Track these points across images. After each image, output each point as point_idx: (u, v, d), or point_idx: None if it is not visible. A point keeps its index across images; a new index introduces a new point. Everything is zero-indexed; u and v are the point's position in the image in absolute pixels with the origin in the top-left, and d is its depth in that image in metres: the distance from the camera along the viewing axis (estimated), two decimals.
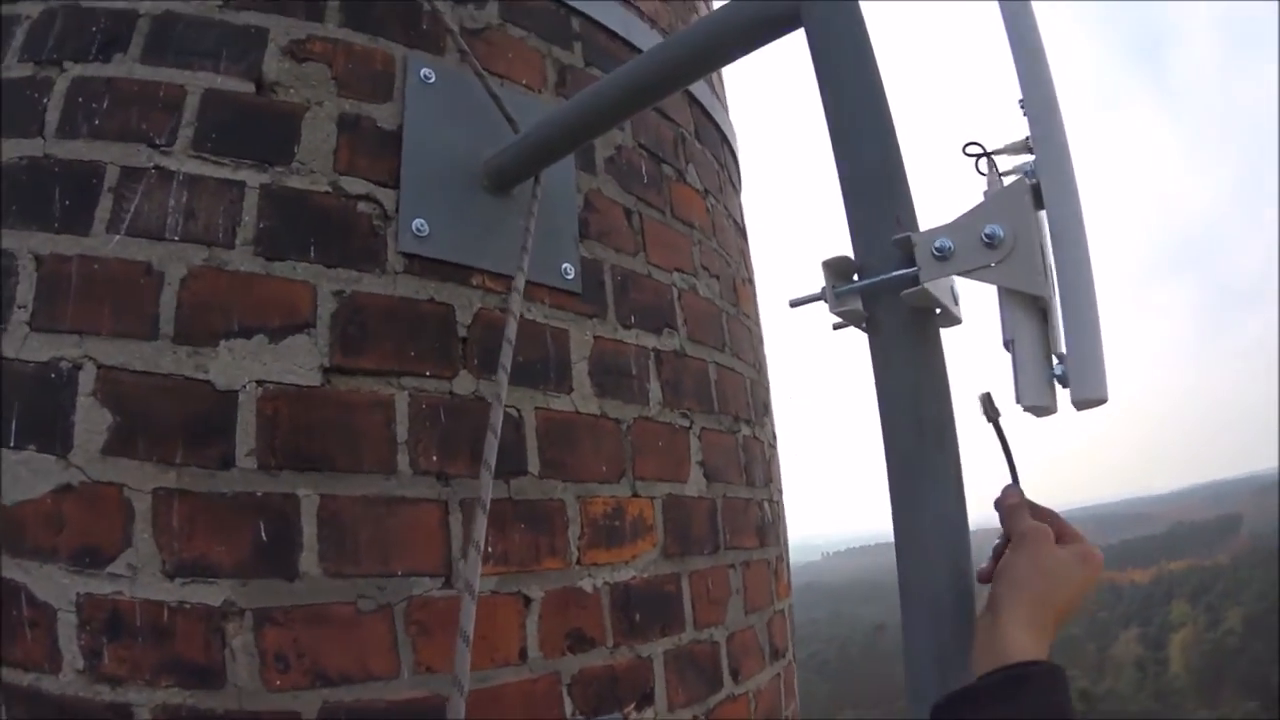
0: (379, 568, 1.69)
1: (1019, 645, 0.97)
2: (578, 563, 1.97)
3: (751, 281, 3.01)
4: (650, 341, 2.29)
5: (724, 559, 2.40)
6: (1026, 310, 1.13)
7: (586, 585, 1.98)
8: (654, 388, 2.26)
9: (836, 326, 1.28)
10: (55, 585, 1.46)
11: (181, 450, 1.56)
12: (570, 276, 2.10)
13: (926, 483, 1.15)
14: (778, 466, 2.92)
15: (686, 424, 2.35)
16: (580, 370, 2.08)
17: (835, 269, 1.24)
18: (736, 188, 3.08)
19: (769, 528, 2.72)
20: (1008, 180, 1.20)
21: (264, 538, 1.59)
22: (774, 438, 2.96)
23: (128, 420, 1.55)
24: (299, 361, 1.69)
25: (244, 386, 1.63)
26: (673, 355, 2.35)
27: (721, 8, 1.56)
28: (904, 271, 1.16)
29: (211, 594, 1.54)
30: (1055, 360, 1.10)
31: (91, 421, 1.52)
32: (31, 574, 1.46)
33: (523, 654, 1.84)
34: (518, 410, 1.94)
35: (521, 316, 1.99)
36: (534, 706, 1.84)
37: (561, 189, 2.13)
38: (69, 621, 1.46)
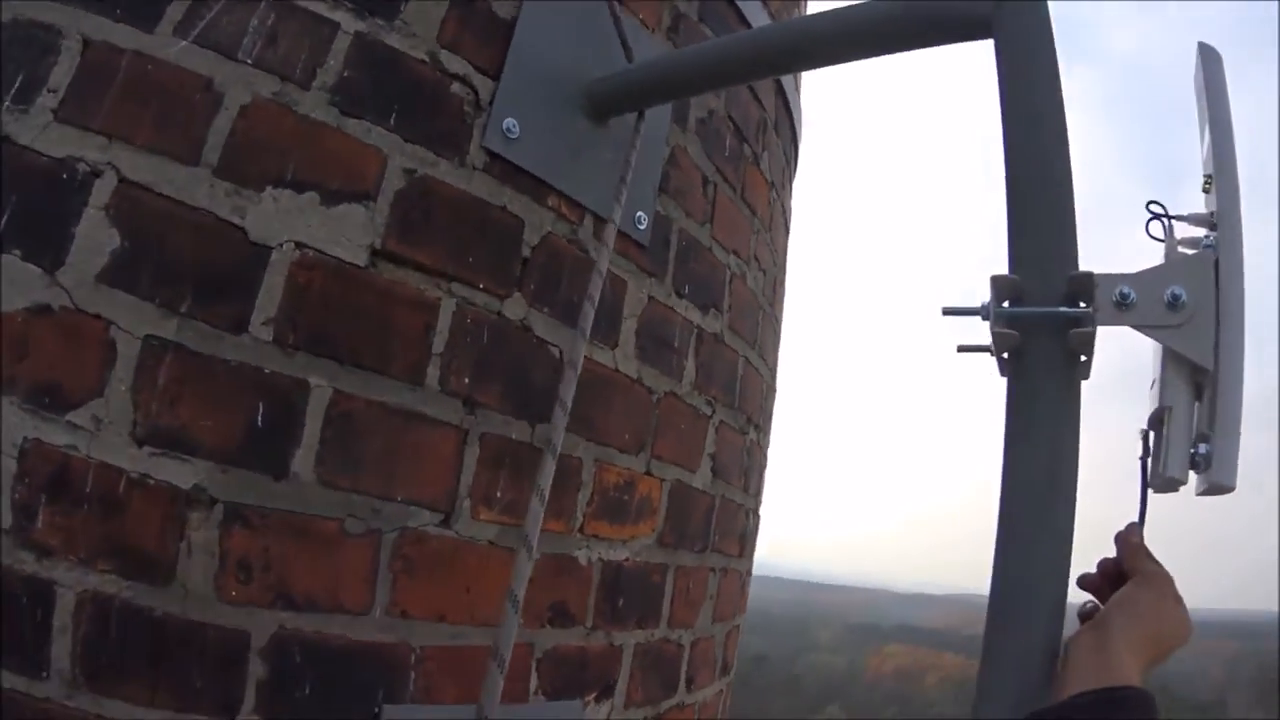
0: (378, 487, 1.37)
1: (1128, 669, 0.92)
2: (579, 530, 1.68)
3: (784, 285, 2.71)
4: (696, 318, 1.98)
5: (708, 561, 2.11)
6: (1187, 382, 1.06)
7: (581, 557, 1.68)
8: (689, 367, 1.96)
9: (963, 349, 1.16)
10: (1, 421, 1.11)
11: (190, 299, 1.23)
12: (642, 227, 1.79)
13: (1043, 532, 1.03)
14: (764, 479, 2.62)
15: (709, 413, 2.06)
16: (629, 328, 1.77)
17: (1001, 288, 1.09)
18: (792, 187, 2.78)
19: (748, 538, 2.44)
20: (1184, 249, 1.15)
21: (259, 423, 1.27)
22: (768, 449, 2.66)
23: (136, 248, 1.20)
24: (349, 234, 1.36)
25: (280, 245, 1.30)
26: (712, 338, 2.05)
27: None
28: (1078, 310, 1.04)
29: (182, 474, 1.21)
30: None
31: (94, 239, 1.17)
32: None
33: None
34: (559, 350, 1.62)
35: (587, 254, 1.67)
36: None
37: (653, 134, 1.82)
38: (7, 468, 1.11)
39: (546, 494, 1.28)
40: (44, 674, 1.12)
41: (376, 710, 1.36)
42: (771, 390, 2.53)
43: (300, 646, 1.29)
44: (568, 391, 1.35)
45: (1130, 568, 1.06)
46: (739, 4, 2.16)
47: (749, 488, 2.36)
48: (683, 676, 2.04)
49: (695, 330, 1.98)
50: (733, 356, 2.16)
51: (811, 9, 2.82)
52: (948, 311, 1.15)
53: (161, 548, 1.19)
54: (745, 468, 2.32)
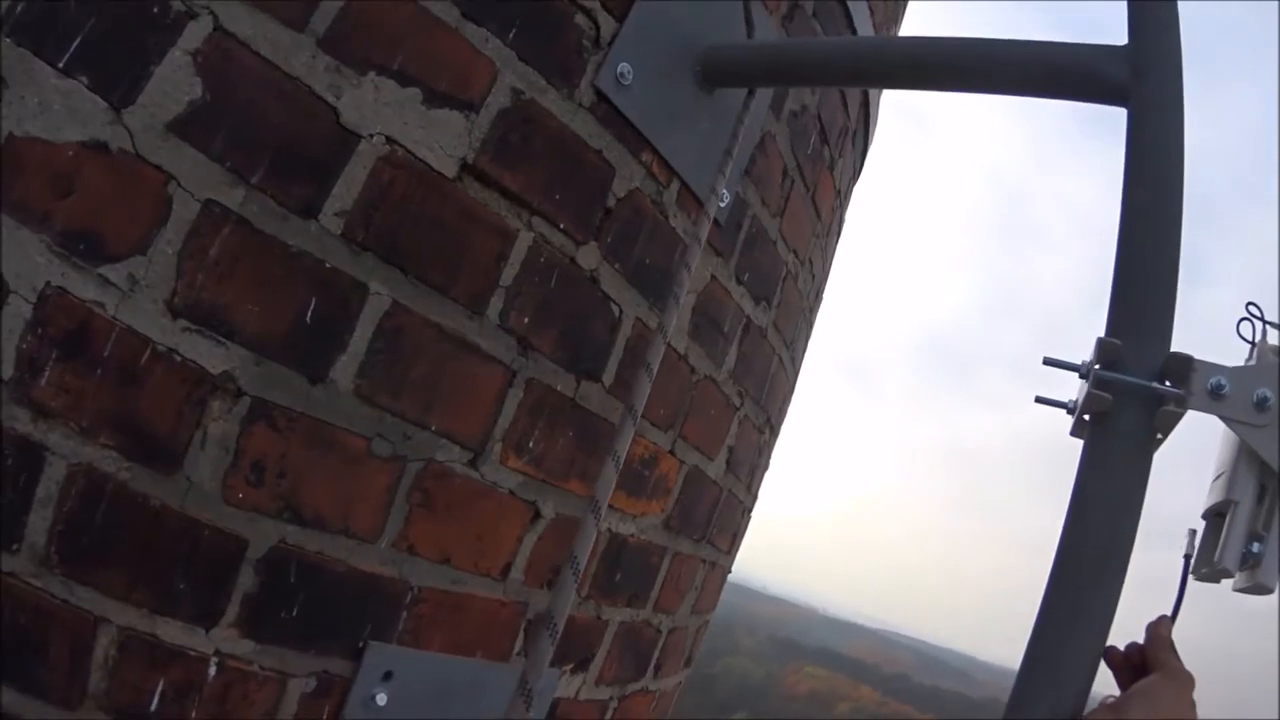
0: (415, 412, 1.21)
1: None
2: None
3: (823, 294, 2.55)
4: (749, 308, 1.83)
5: (702, 552, 1.96)
6: (1255, 482, 1.03)
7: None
8: (732, 354, 1.80)
9: (1040, 401, 1.18)
10: (25, 259, 0.93)
11: (264, 171, 1.06)
12: (723, 204, 1.63)
13: (1091, 604, 0.98)
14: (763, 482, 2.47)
15: (738, 404, 1.90)
16: (687, 302, 1.61)
17: (1104, 351, 1.03)
18: (850, 200, 2.62)
19: (738, 537, 2.28)
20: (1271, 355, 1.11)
21: (309, 319, 1.10)
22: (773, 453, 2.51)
23: (217, 104, 1.03)
24: (443, 141, 1.19)
25: (371, 136, 1.13)
26: (757, 331, 1.89)
27: (1052, 42, 1.27)
28: (1174, 390, 0.99)
29: (214, 357, 1.04)
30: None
31: (173, 84, 1.00)
32: (2, 232, 0.93)
33: (506, 571, 1.38)
34: (620, 310, 1.46)
35: (667, 218, 1.51)
36: (489, 632, 1.38)
37: (754, 115, 1.65)
38: (20, 312, 0.93)
39: (622, 460, 1.12)
40: (14, 546, 0.96)
41: (361, 645, 1.20)
42: (789, 396, 2.38)
43: (298, 564, 1.13)
44: (655, 357, 1.19)
45: (1155, 660, 0.99)
46: (849, 4, 1.99)
47: (751, 487, 2.22)
48: (653, 662, 1.89)
49: (745, 320, 1.82)
50: (770, 354, 2.01)
51: (905, 26, 2.66)
52: (1049, 361, 1.12)
53: (173, 433, 1.03)
54: (753, 466, 2.17)
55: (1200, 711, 0.98)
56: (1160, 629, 1.03)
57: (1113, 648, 1.02)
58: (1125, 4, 1.23)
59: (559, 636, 1.05)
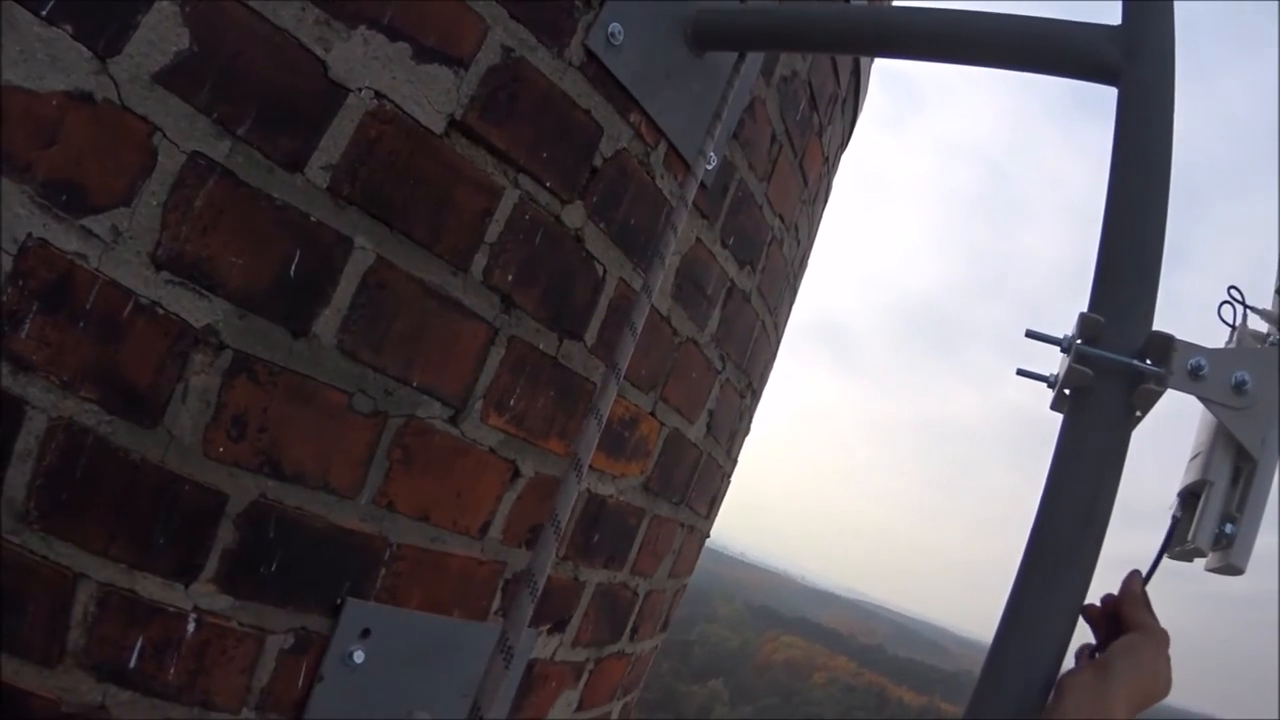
0: (398, 368, 1.21)
1: (1120, 714, 0.92)
2: None
3: (808, 261, 2.55)
4: (733, 271, 1.83)
5: (680, 515, 1.98)
6: (1230, 464, 1.04)
7: None
8: (714, 318, 1.81)
9: (1021, 373, 1.18)
10: (5, 211, 0.92)
11: (250, 124, 1.05)
12: (709, 167, 1.62)
13: (1067, 573, 1.00)
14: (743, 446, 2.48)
15: (720, 368, 1.91)
16: (671, 264, 1.61)
17: (1085, 326, 1.05)
18: (838, 168, 2.62)
19: (717, 501, 2.30)
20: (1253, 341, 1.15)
21: (292, 273, 1.10)
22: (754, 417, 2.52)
23: (204, 55, 1.01)
24: (431, 97, 1.18)
25: (359, 90, 1.12)
26: (741, 295, 1.90)
27: (1045, 18, 1.29)
28: (1155, 368, 1.01)
29: (197, 310, 1.04)
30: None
31: (159, 34, 0.99)
32: None
33: (484, 529, 1.38)
34: (604, 270, 1.46)
35: (653, 180, 1.51)
36: (466, 589, 1.39)
37: (744, 79, 1.65)
38: (0, 264, 0.92)
39: (604, 419, 1.13)
40: None
41: (339, 602, 1.21)
42: (770, 361, 2.39)
43: (277, 519, 1.14)
44: (639, 317, 1.20)
45: (1130, 616, 1.02)
46: None
47: (731, 451, 2.23)
48: (630, 625, 1.90)
49: (729, 284, 1.82)
50: (753, 318, 2.01)
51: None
52: (1031, 334, 1.14)
53: (155, 386, 1.03)
54: (734, 430, 2.18)
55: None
56: (1133, 584, 1.05)
57: (1089, 605, 1.04)
58: None
59: (539, 595, 1.06)
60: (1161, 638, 0.99)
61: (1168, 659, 0.99)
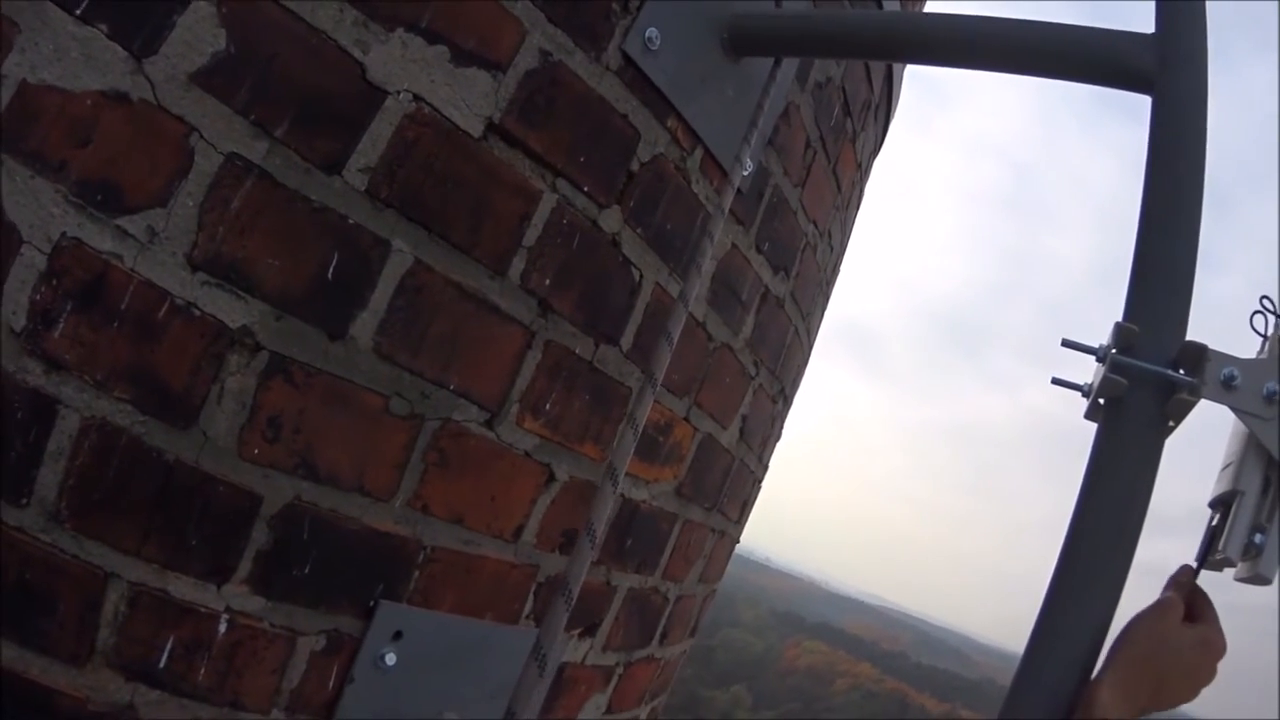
0: (433, 371, 1.18)
1: (1101, 702, 0.88)
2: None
3: (840, 267, 2.50)
4: (767, 277, 1.78)
5: (712, 521, 1.93)
6: (1261, 473, 1.02)
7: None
8: (749, 323, 1.76)
9: (1056, 382, 1.16)
10: (39, 210, 0.89)
11: (288, 125, 1.02)
12: (745, 173, 1.57)
13: (1100, 580, 0.98)
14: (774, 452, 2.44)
15: (754, 373, 1.87)
16: (707, 270, 1.57)
17: (1121, 336, 1.03)
18: (870, 174, 2.57)
19: (748, 506, 2.25)
20: None
21: (330, 274, 1.07)
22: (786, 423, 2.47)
23: (242, 56, 0.99)
24: (470, 100, 1.15)
25: (398, 93, 1.09)
26: (775, 301, 1.85)
27: (1080, 26, 1.25)
28: (1188, 379, 0.99)
29: (233, 311, 1.01)
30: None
31: (196, 34, 0.96)
32: (15, 181, 0.88)
33: (518, 533, 1.35)
34: (640, 274, 1.42)
35: (689, 185, 1.47)
36: (499, 593, 1.36)
37: (780, 85, 1.61)
38: (33, 263, 0.90)
39: (641, 426, 1.10)
40: (23, 500, 0.93)
41: (372, 604, 1.18)
42: (803, 366, 2.35)
43: (311, 521, 1.11)
44: (676, 326, 1.16)
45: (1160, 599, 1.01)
46: None
47: (762, 457, 2.18)
48: (660, 630, 1.86)
49: (763, 289, 1.78)
50: (786, 324, 1.97)
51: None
52: (1067, 344, 1.11)
53: (190, 387, 1.00)
54: (766, 436, 2.13)
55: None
56: (1181, 575, 1.04)
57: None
58: None
59: (574, 602, 1.02)
60: (1163, 607, 0.96)
61: (1172, 624, 0.96)
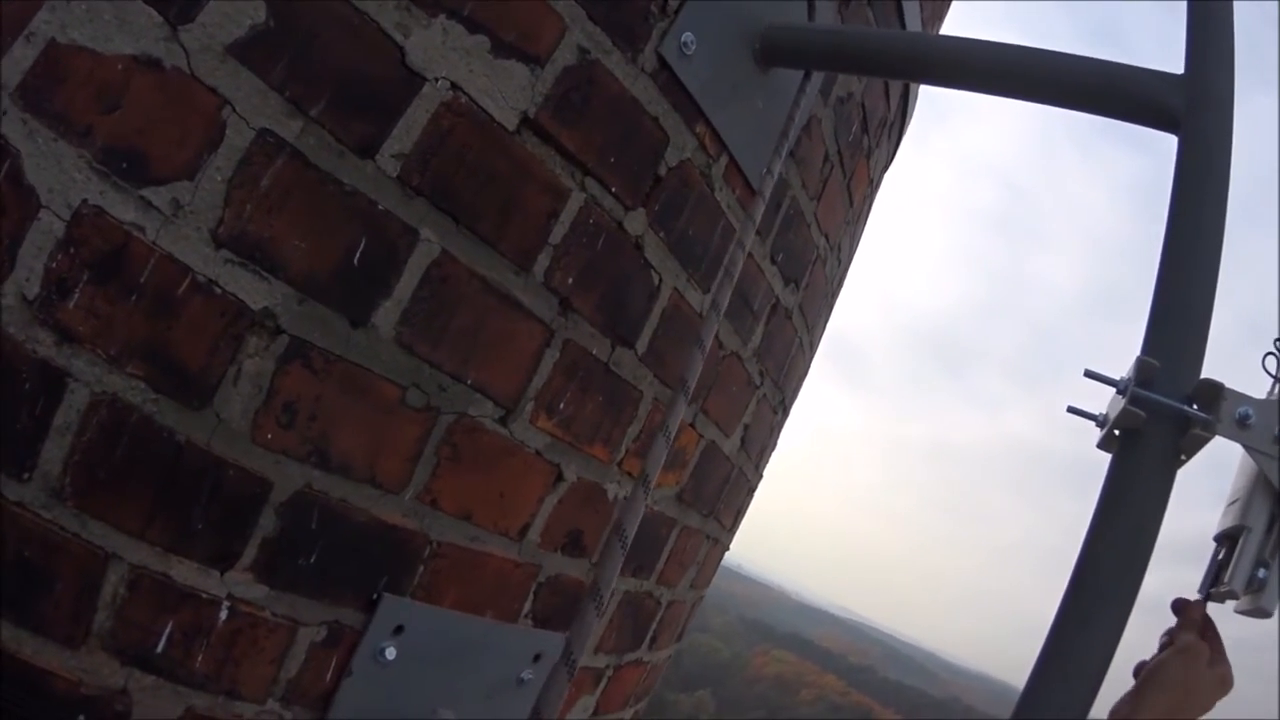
0: (453, 365, 1.14)
1: None
2: (618, 464, 1.46)
3: (845, 280, 2.48)
4: (778, 288, 1.76)
5: (707, 528, 1.91)
6: (1267, 510, 1.04)
7: (611, 490, 1.47)
8: (758, 333, 1.74)
9: (1072, 411, 1.17)
10: (61, 174, 0.85)
11: (324, 105, 0.98)
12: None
13: (1107, 610, 0.99)
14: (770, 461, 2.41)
15: (759, 383, 1.84)
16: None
17: (1141, 370, 1.03)
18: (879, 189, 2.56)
19: (740, 515, 2.22)
20: None
21: (356, 260, 1.03)
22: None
23: (281, 31, 0.95)
24: (506, 92, 1.12)
25: (436, 80, 1.05)
26: (783, 313, 1.83)
27: (1109, 61, 1.25)
28: (1204, 415, 1.00)
29: (256, 291, 0.97)
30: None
31: (234, 4, 0.92)
32: (37, 143, 0.84)
33: (523, 532, 1.32)
34: (659, 279, 1.39)
35: (713, 192, 1.44)
36: (501, 591, 1.33)
37: (807, 97, 1.58)
38: (51, 229, 0.85)
39: (673, 435, 1.07)
40: (25, 475, 0.88)
41: (375, 597, 1.15)
42: (804, 378, 2.32)
43: (320, 511, 1.07)
44: (708, 334, 1.14)
45: (1174, 636, 1.04)
46: (903, 1, 1.91)
47: (759, 466, 2.16)
48: (650, 634, 1.84)
49: (774, 300, 1.76)
50: (792, 336, 1.94)
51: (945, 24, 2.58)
52: (1090, 374, 1.11)
53: (207, 368, 0.96)
54: (764, 446, 2.11)
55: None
56: (1189, 608, 1.06)
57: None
58: (1184, 33, 1.23)
59: (605, 609, 1.00)
60: (1194, 654, 1.00)
61: (1201, 672, 0.99)
